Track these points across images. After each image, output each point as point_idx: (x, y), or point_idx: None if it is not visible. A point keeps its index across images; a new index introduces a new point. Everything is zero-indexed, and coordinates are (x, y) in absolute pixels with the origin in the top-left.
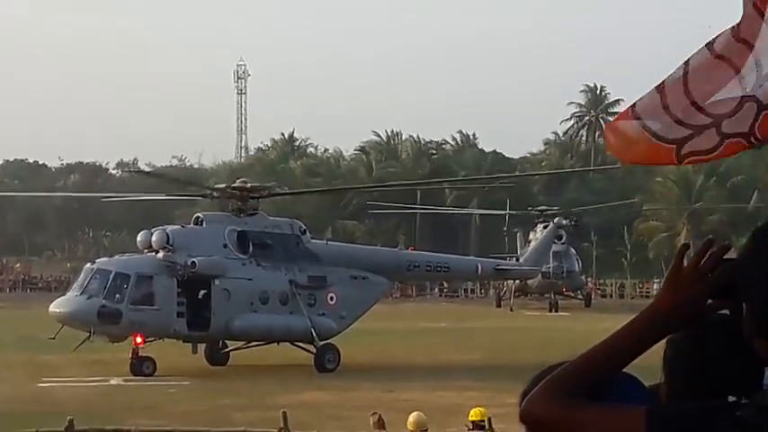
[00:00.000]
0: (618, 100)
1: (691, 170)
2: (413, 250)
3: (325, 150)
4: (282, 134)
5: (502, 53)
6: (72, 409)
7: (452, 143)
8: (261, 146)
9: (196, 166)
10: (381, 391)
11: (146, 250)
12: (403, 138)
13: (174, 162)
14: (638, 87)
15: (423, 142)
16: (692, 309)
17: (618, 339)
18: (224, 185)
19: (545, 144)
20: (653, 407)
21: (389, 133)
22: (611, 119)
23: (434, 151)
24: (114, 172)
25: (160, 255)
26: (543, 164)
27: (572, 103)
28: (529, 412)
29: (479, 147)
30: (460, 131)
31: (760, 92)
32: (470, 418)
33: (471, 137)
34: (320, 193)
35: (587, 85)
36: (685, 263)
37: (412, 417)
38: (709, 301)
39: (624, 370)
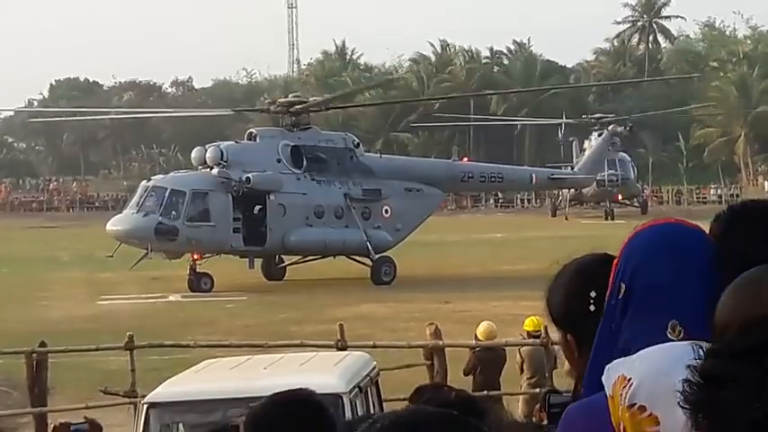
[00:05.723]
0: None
1: (750, 74)
2: (467, 161)
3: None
4: (336, 44)
5: None
6: (131, 326)
7: (506, 52)
8: (312, 60)
9: (267, 77)
10: (438, 303)
11: (200, 167)
12: (455, 49)
13: (243, 74)
14: None
15: (474, 52)
16: None
17: None
18: (272, 100)
19: (594, 52)
20: None
21: (441, 44)
22: (664, 23)
23: (487, 60)
24: (171, 90)
25: (215, 171)
26: (594, 71)
27: (627, 5)
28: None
29: (533, 53)
30: (514, 41)
31: None
32: (525, 328)
33: (527, 42)
34: (374, 105)
35: None
36: None
37: (482, 326)
38: None
39: None
